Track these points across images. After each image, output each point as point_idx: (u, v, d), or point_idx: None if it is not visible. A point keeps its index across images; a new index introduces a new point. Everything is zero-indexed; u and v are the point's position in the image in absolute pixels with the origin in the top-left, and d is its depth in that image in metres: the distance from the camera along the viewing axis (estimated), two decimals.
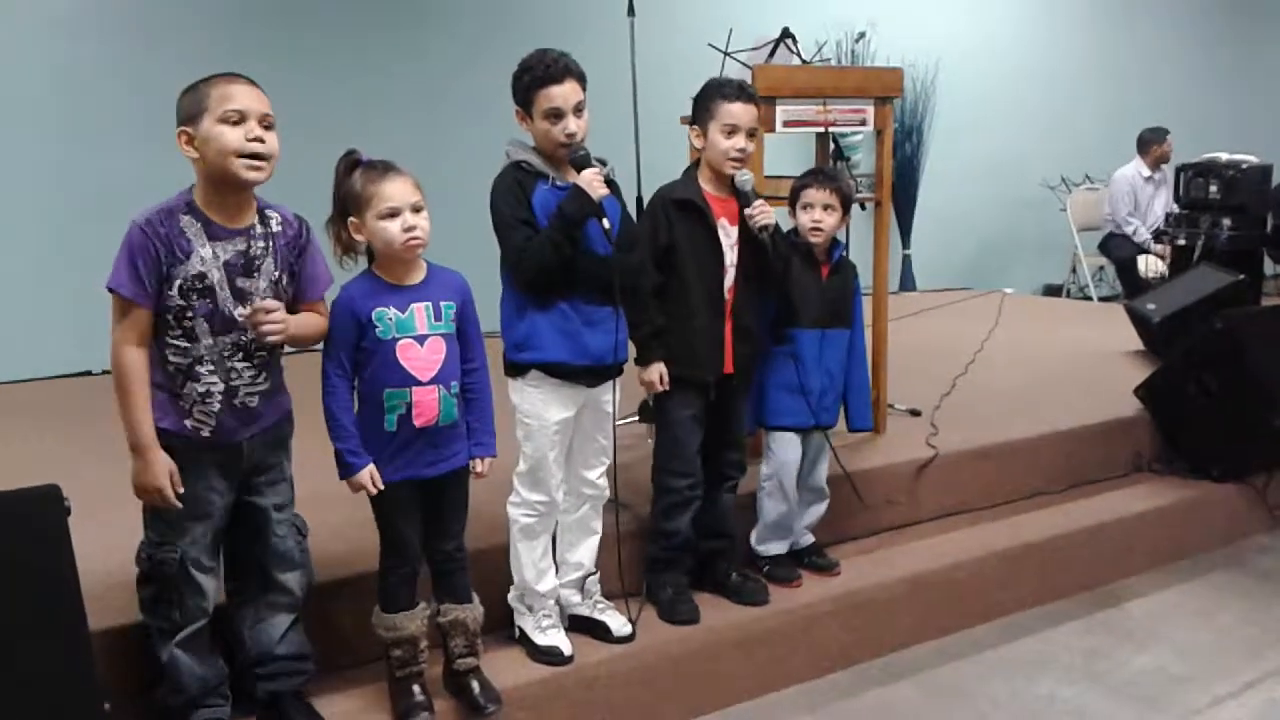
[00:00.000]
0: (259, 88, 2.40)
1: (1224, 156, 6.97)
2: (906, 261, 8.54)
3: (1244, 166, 6.77)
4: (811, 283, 3.38)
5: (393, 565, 2.66)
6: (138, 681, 2.56)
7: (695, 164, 3.25)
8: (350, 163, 2.57)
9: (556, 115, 2.78)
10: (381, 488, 2.56)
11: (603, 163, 2.85)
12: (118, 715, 2.30)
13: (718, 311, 3.16)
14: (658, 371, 3.09)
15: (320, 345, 2.59)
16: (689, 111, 3.21)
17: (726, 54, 4.17)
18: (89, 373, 5.52)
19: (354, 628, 2.82)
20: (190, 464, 2.41)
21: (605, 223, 2.79)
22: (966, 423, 4.38)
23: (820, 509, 3.55)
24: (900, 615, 3.51)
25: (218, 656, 2.57)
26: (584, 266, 2.82)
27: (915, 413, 4.52)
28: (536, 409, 2.88)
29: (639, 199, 3.85)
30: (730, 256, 3.17)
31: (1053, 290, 9.36)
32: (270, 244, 2.47)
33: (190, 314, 2.37)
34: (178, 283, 2.35)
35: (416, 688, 2.67)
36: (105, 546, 2.67)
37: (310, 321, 2.55)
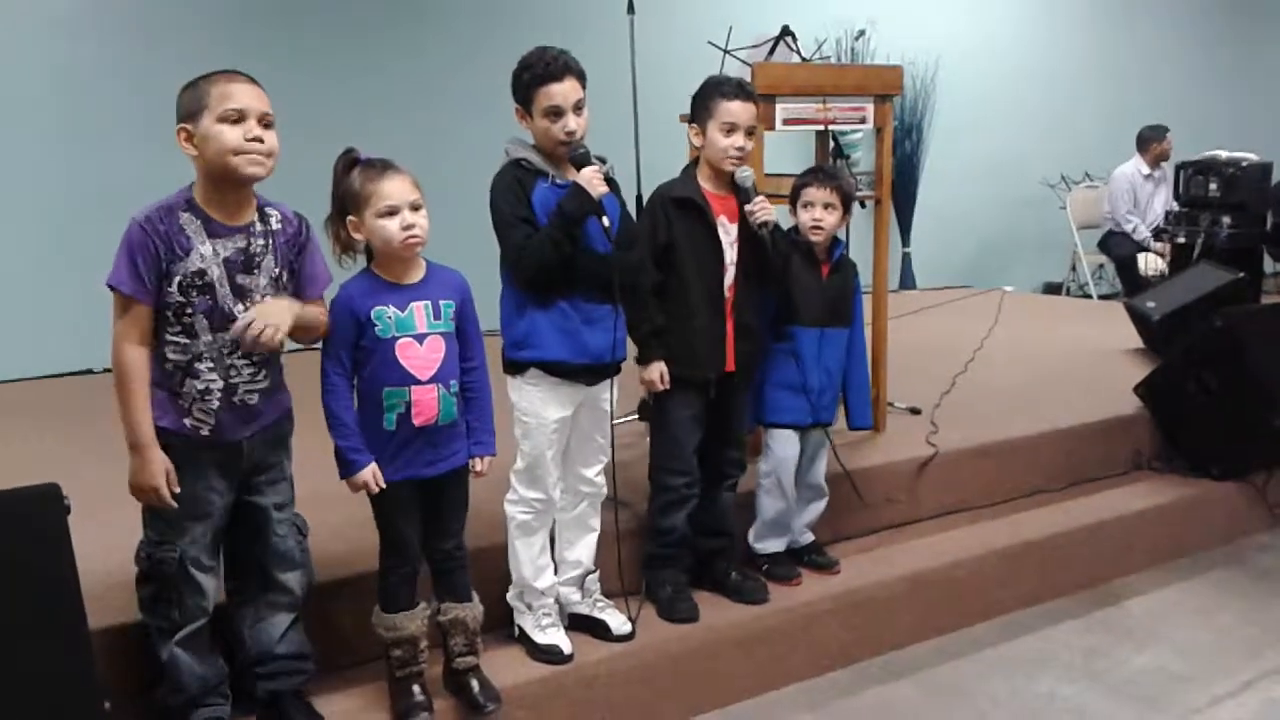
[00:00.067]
0: (259, 86, 2.40)
1: (1224, 154, 6.97)
2: (906, 260, 8.54)
3: (1244, 164, 6.77)
4: (812, 281, 3.39)
5: (393, 565, 2.66)
6: (138, 681, 2.57)
7: (694, 162, 3.25)
8: (349, 161, 2.57)
9: (556, 113, 2.78)
10: (383, 486, 2.56)
11: (602, 160, 2.86)
12: (117, 714, 2.31)
13: (718, 310, 3.17)
14: (658, 370, 3.09)
15: (319, 344, 2.59)
16: (689, 109, 3.21)
17: (726, 52, 4.17)
18: (90, 371, 5.52)
19: (354, 627, 2.82)
20: (189, 463, 2.41)
21: (605, 221, 2.79)
22: (966, 421, 4.38)
23: (819, 507, 3.55)
24: (900, 614, 3.51)
25: (218, 656, 2.57)
26: (583, 265, 2.82)
27: (915, 411, 4.52)
28: (535, 407, 2.88)
29: (638, 197, 3.85)
30: (730, 254, 3.17)
31: (1052, 288, 9.36)
32: (270, 241, 2.47)
33: (190, 310, 2.37)
34: (177, 279, 2.35)
35: (416, 688, 2.67)
36: (105, 546, 2.67)
37: (313, 312, 2.53)
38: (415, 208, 2.53)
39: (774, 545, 3.48)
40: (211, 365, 2.41)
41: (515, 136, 2.89)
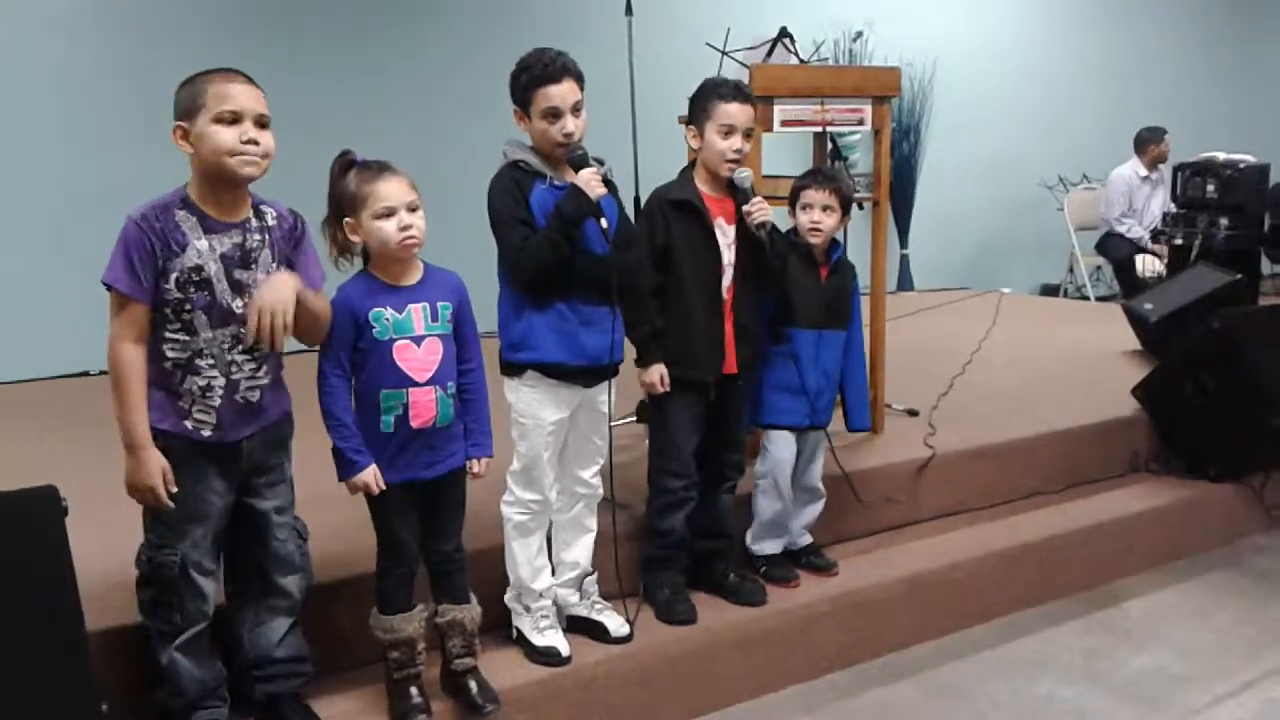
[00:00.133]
0: (256, 86, 2.40)
1: (1221, 156, 6.98)
2: (904, 261, 8.54)
3: (1241, 166, 6.78)
4: (810, 283, 3.39)
5: (390, 567, 2.66)
6: (136, 681, 2.56)
7: (692, 164, 3.26)
8: (345, 163, 2.57)
9: (554, 115, 2.78)
10: (384, 487, 2.56)
11: (600, 162, 2.85)
12: (115, 715, 2.30)
13: (716, 311, 3.17)
14: (658, 373, 3.09)
15: (317, 347, 2.59)
16: (687, 111, 3.21)
17: (724, 53, 4.17)
18: (87, 373, 5.51)
19: (352, 629, 2.82)
20: (189, 465, 2.41)
21: (603, 222, 2.79)
22: (964, 422, 4.39)
23: (816, 509, 3.55)
24: (898, 615, 3.51)
25: (216, 659, 2.56)
26: (581, 266, 2.82)
27: (913, 413, 4.52)
28: (532, 409, 2.88)
29: (637, 199, 3.85)
30: (728, 256, 3.18)
31: (1050, 290, 9.37)
32: (266, 236, 2.47)
33: (188, 307, 2.37)
34: (174, 276, 2.35)
35: (414, 689, 2.67)
36: (103, 547, 2.67)
37: (316, 299, 2.51)
38: (412, 209, 2.53)
39: (771, 547, 3.48)
40: (212, 362, 2.41)
41: (513, 138, 2.89)
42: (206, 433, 2.42)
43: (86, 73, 5.77)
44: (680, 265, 3.12)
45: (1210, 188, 6.77)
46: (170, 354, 2.39)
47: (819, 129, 4.04)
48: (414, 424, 2.56)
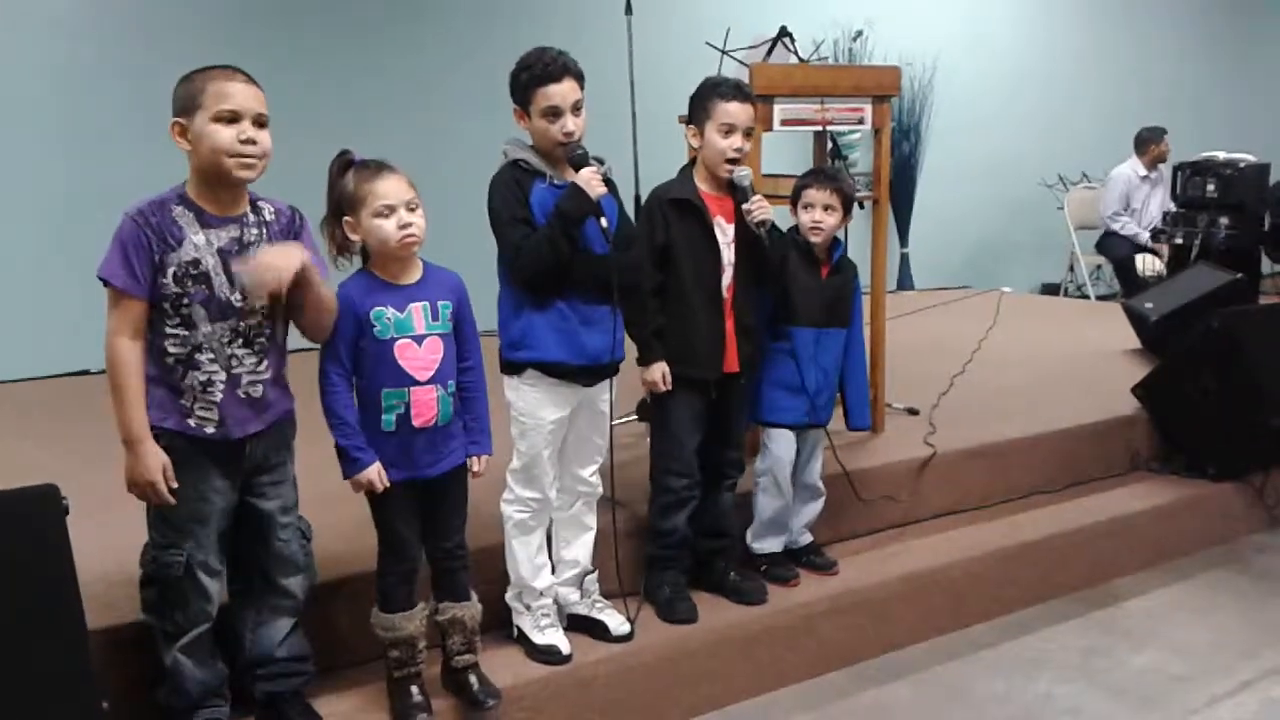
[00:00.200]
0: (255, 84, 2.40)
1: (1221, 155, 6.98)
2: (904, 260, 8.54)
3: (1241, 165, 6.79)
4: (811, 281, 3.39)
5: (391, 565, 2.66)
6: (137, 680, 2.56)
7: (691, 163, 3.26)
8: (344, 163, 2.57)
9: (554, 114, 2.78)
10: (388, 485, 2.57)
11: (600, 161, 2.85)
12: (116, 714, 2.31)
13: (717, 310, 3.17)
14: (660, 371, 3.09)
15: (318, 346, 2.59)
16: (687, 110, 3.21)
17: (724, 52, 4.18)
18: (87, 371, 5.52)
19: (352, 627, 2.82)
20: (190, 464, 2.41)
21: (603, 221, 2.79)
22: (964, 422, 4.39)
23: (816, 507, 3.55)
24: (898, 614, 3.52)
25: (219, 659, 2.56)
26: (582, 265, 2.82)
27: (913, 412, 4.53)
28: (531, 407, 2.88)
29: (636, 198, 3.85)
30: (728, 255, 3.18)
31: (1050, 289, 9.37)
32: (264, 230, 2.47)
33: (186, 301, 2.37)
34: (171, 270, 2.35)
35: (415, 688, 2.67)
36: (104, 546, 2.67)
37: (328, 291, 2.50)
38: (412, 207, 2.53)
39: (772, 545, 3.48)
40: (212, 356, 2.41)
41: (513, 137, 2.89)
42: (209, 430, 2.42)
43: (86, 73, 5.77)
44: (680, 264, 3.12)
45: (1210, 187, 6.78)
46: (171, 349, 2.39)
47: (819, 128, 4.04)
48: (416, 423, 2.57)
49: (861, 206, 4.17)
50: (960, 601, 3.65)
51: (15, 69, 5.61)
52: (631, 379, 3.15)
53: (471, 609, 2.75)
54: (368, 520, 2.66)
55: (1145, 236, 8.00)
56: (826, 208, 3.35)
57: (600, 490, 3.09)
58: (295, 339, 2.58)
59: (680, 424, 3.18)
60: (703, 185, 3.16)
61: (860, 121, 4.04)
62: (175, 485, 2.38)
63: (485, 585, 2.88)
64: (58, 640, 2.22)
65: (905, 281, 8.51)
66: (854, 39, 7.96)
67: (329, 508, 2.81)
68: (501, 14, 6.80)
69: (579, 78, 2.82)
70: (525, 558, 2.95)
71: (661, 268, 3.12)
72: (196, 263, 2.37)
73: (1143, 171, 8.26)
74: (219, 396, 2.42)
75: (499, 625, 3.01)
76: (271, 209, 2.51)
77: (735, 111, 3.09)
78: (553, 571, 3.05)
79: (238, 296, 2.41)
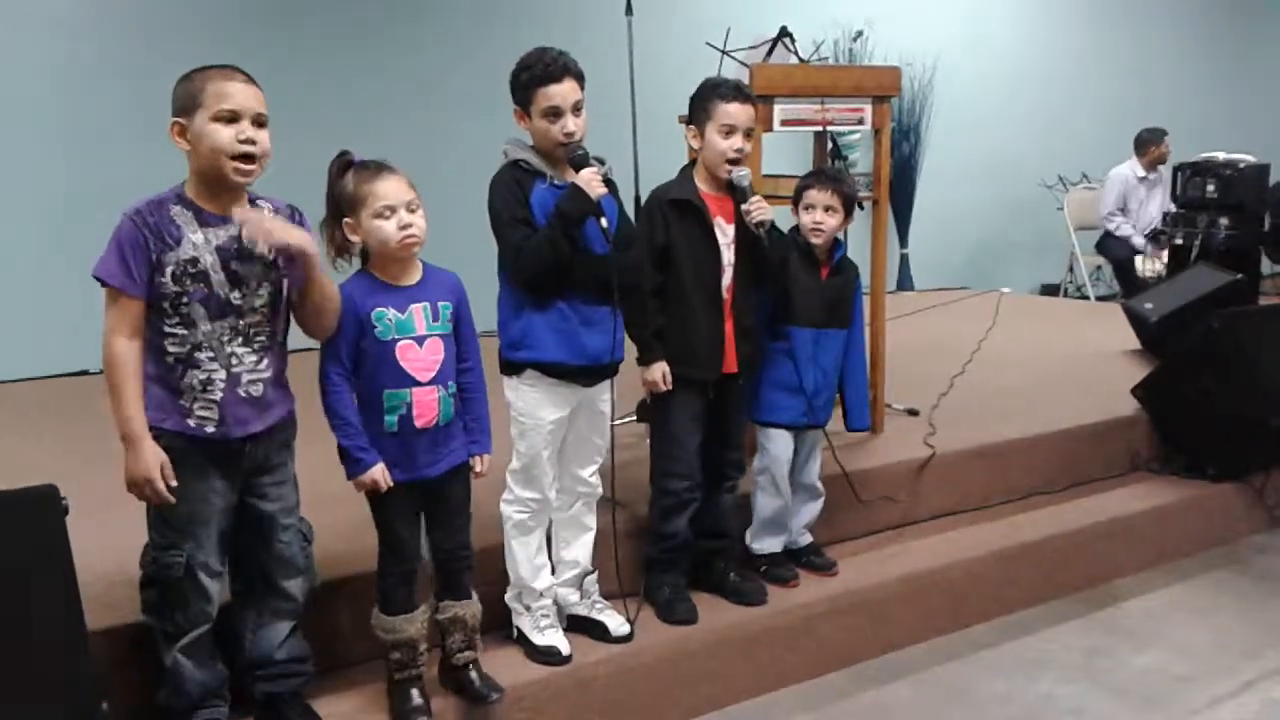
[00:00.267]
0: (255, 84, 2.40)
1: (1221, 155, 6.98)
2: (904, 261, 8.54)
3: (1241, 166, 6.78)
4: (811, 282, 3.39)
5: (391, 566, 2.66)
6: (136, 680, 2.56)
7: (691, 163, 3.25)
8: (343, 164, 2.57)
9: (555, 114, 2.78)
10: (391, 485, 2.56)
11: (601, 162, 2.85)
12: (116, 715, 2.31)
13: (717, 310, 3.16)
14: (660, 371, 3.09)
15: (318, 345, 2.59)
16: (687, 111, 3.21)
17: (724, 53, 4.18)
18: (87, 372, 5.52)
19: (352, 627, 2.82)
20: (189, 465, 2.40)
21: (603, 222, 2.79)
22: (964, 422, 4.39)
23: (815, 507, 3.55)
24: (898, 615, 3.51)
25: (219, 660, 2.56)
26: (582, 265, 2.82)
27: (913, 412, 4.52)
28: (531, 408, 2.88)
29: (637, 198, 3.85)
30: (727, 255, 3.17)
31: (1050, 290, 9.36)
32: None
33: (185, 300, 2.37)
34: (169, 269, 2.35)
35: (415, 691, 2.67)
36: (103, 546, 2.67)
37: (333, 287, 2.51)
38: (412, 208, 2.53)
39: (771, 545, 3.48)
40: (212, 355, 2.41)
41: (514, 137, 2.89)
42: (209, 429, 2.41)
43: (86, 73, 5.77)
44: (680, 264, 3.12)
45: (1210, 187, 6.77)
46: (171, 348, 2.38)
47: (819, 128, 4.04)
48: (417, 424, 2.57)
49: (861, 207, 4.17)
50: (960, 602, 3.65)
51: (15, 69, 5.61)
52: (631, 379, 3.15)
53: (473, 608, 2.76)
54: (368, 521, 2.66)
55: (1140, 240, 8.01)
56: (828, 209, 3.35)
57: (600, 491, 3.09)
58: (295, 340, 2.58)
59: (680, 424, 3.18)
60: (703, 186, 3.16)
61: (860, 122, 4.03)
62: (174, 483, 2.37)
63: (485, 586, 2.87)
64: (58, 641, 2.22)
65: (905, 282, 8.51)
66: (854, 39, 7.96)
67: (329, 508, 2.81)
68: (501, 14, 6.80)
69: (579, 78, 2.82)
70: (525, 558, 2.95)
71: (661, 268, 3.12)
72: (195, 261, 2.37)
73: (1141, 173, 8.25)
74: (219, 395, 2.41)
75: (498, 626, 3.01)
76: (271, 207, 2.51)
77: (736, 112, 3.09)
78: (552, 572, 3.05)
79: (236, 295, 2.41)
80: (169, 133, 2.37)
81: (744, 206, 3.11)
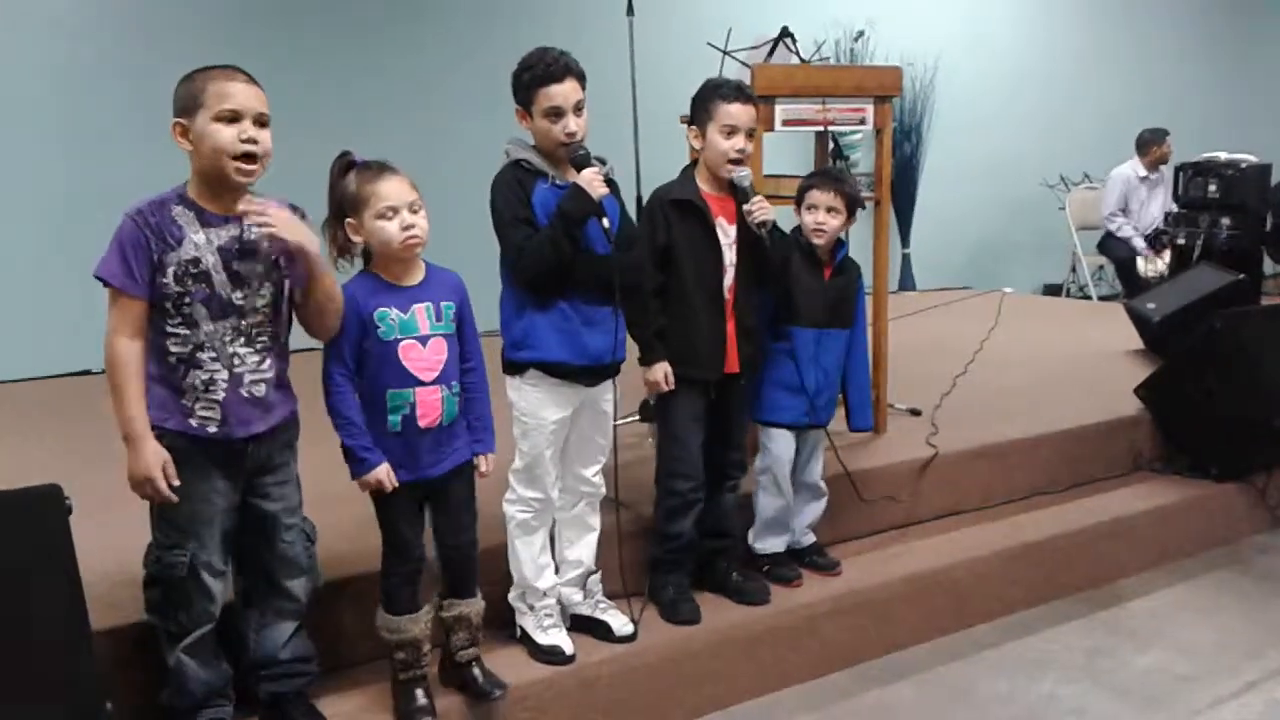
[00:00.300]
0: (256, 84, 2.40)
1: (1223, 156, 6.96)
2: (906, 261, 8.54)
3: (1243, 166, 6.77)
4: (813, 282, 3.39)
5: (395, 566, 2.65)
6: (140, 680, 2.56)
7: (693, 164, 3.25)
8: (345, 164, 2.57)
9: (556, 114, 2.78)
10: (396, 485, 2.56)
11: (602, 161, 2.85)
12: (119, 715, 2.31)
13: (718, 311, 3.16)
14: (662, 371, 3.09)
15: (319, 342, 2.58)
16: (688, 111, 3.21)
17: (725, 53, 4.17)
18: (88, 371, 5.52)
19: (356, 627, 2.82)
20: (191, 465, 2.40)
21: (605, 222, 2.79)
22: (967, 422, 4.38)
23: (818, 507, 3.55)
24: (901, 615, 3.51)
25: (222, 660, 2.56)
26: (583, 266, 2.82)
27: (915, 412, 4.52)
28: (533, 408, 2.88)
29: (638, 198, 3.85)
30: (729, 256, 3.17)
31: (1052, 290, 9.36)
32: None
33: (187, 300, 2.37)
34: (171, 269, 2.34)
35: (419, 691, 2.67)
36: (107, 546, 2.67)
37: (336, 287, 2.51)
38: (414, 209, 2.53)
39: (774, 545, 3.48)
40: (214, 355, 2.40)
41: (515, 137, 2.89)
42: (211, 429, 2.41)
43: (86, 73, 5.77)
44: (682, 265, 3.12)
45: (1212, 187, 6.76)
46: (173, 348, 2.38)
47: (820, 128, 4.04)
48: (421, 423, 2.57)
49: (863, 207, 4.17)
50: (963, 602, 3.65)
51: (15, 69, 5.61)
52: (634, 379, 3.15)
53: (476, 605, 2.76)
54: (371, 520, 2.65)
55: (1140, 241, 8.00)
56: (830, 209, 3.35)
57: (603, 491, 3.08)
58: (298, 340, 2.58)
59: (683, 424, 3.18)
60: (704, 186, 3.16)
61: (862, 122, 4.03)
62: (176, 483, 2.37)
63: (488, 586, 2.87)
64: (61, 641, 2.22)
65: (907, 282, 8.51)
66: (855, 39, 7.96)
67: (332, 508, 2.81)
68: (501, 14, 6.80)
69: (581, 78, 2.81)
70: (528, 558, 2.95)
71: (663, 268, 3.12)
72: (196, 261, 2.37)
73: (1142, 173, 8.25)
74: (221, 395, 2.41)
75: (502, 625, 3.01)
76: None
77: (737, 113, 3.08)
78: (556, 572, 3.04)
79: (239, 295, 2.41)
80: (171, 133, 2.37)
81: (745, 207, 3.11)
